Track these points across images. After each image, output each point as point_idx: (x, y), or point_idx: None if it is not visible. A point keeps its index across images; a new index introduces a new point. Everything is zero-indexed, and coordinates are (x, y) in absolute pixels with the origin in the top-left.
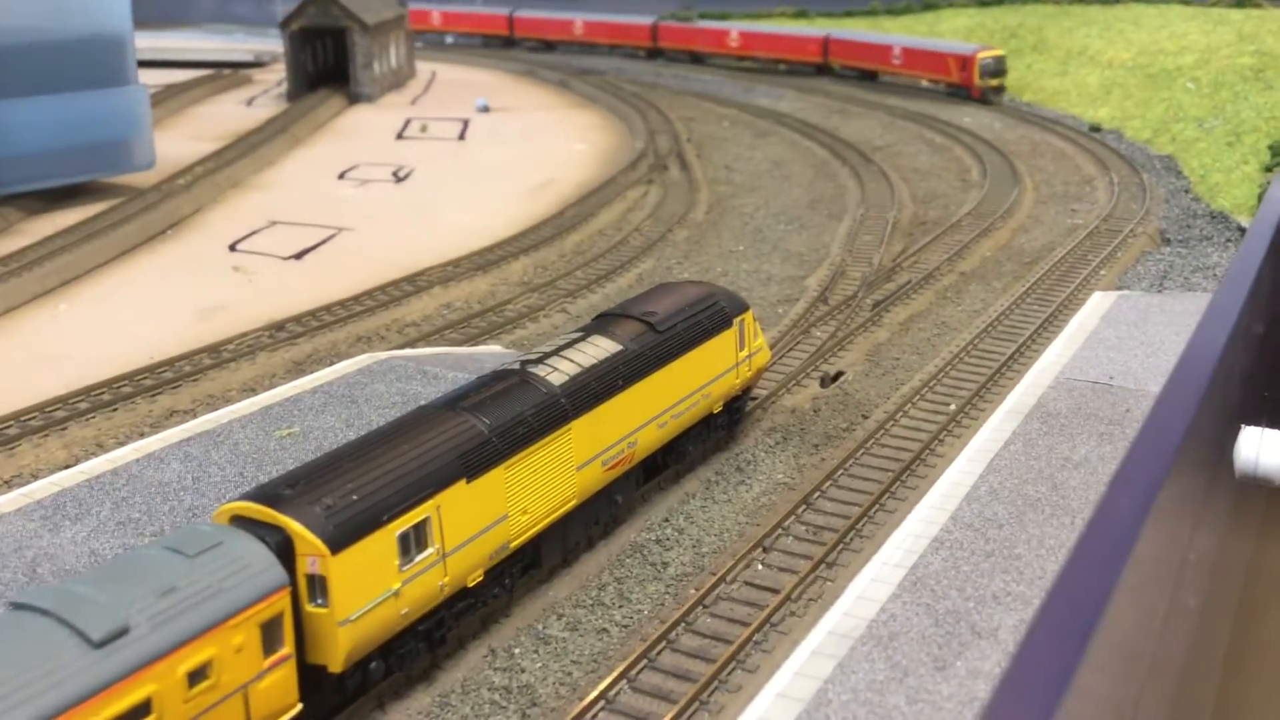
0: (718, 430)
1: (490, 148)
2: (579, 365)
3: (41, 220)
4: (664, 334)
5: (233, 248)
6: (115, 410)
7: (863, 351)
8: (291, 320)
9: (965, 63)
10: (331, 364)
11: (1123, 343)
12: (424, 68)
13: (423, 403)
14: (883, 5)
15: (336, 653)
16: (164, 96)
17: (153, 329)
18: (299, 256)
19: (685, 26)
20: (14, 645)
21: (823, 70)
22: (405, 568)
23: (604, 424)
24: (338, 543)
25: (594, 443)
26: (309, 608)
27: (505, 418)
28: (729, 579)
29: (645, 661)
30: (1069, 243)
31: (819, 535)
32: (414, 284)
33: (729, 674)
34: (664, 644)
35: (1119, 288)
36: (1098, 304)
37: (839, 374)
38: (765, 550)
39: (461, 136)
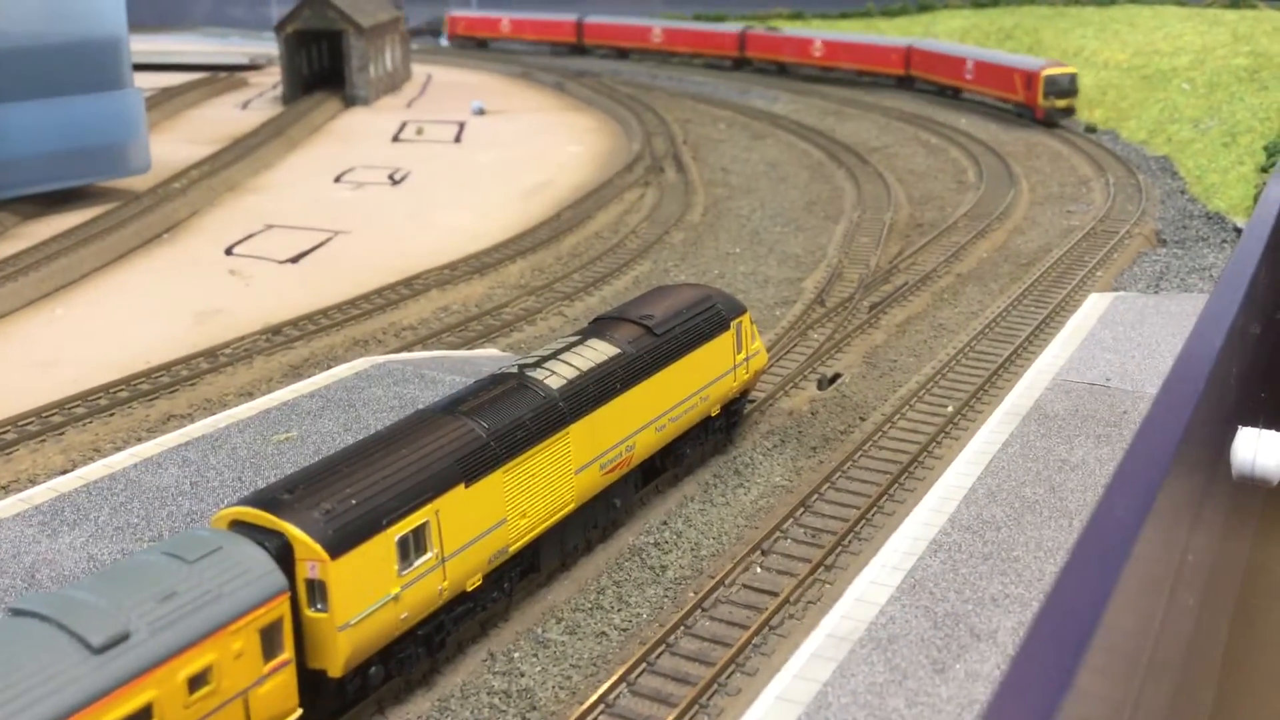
0: (715, 433)
1: (486, 150)
2: (577, 369)
3: (37, 224)
4: (661, 337)
5: (229, 251)
6: (112, 415)
7: (860, 353)
8: (288, 324)
9: (1030, 79)
10: (329, 368)
11: (1119, 344)
12: (419, 70)
13: (420, 407)
14: (877, 6)
15: (336, 657)
16: (159, 100)
17: (149, 333)
18: (295, 260)
19: (772, 35)
20: (14, 651)
21: (904, 83)
22: (404, 572)
23: (602, 427)
24: (337, 548)
25: (592, 446)
26: (309, 613)
27: (503, 422)
28: (727, 582)
29: (644, 665)
30: (1065, 244)
31: (817, 538)
32: (410, 287)
33: (728, 677)
34: (663, 647)
35: (1115, 289)
36: (1094, 305)
37: (836, 376)
38: (764, 553)
39: (457, 139)
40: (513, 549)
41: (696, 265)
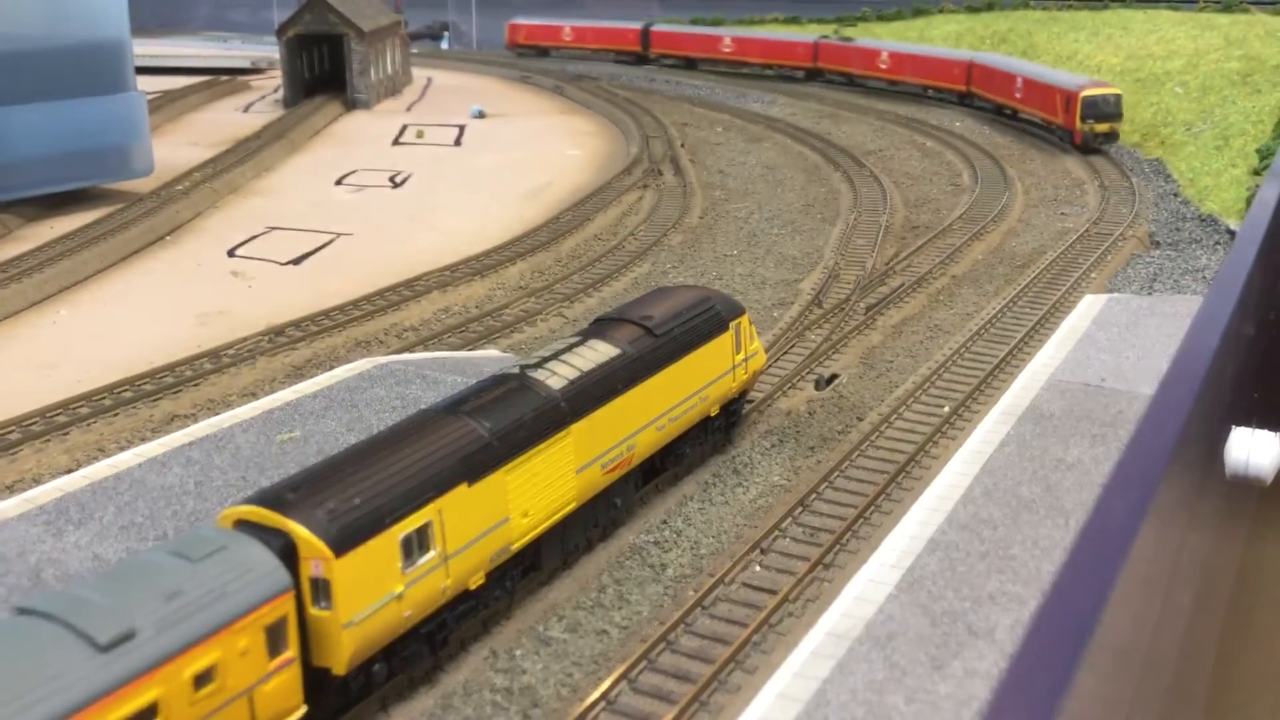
0: (715, 433)
1: (486, 153)
2: (578, 369)
3: (40, 226)
4: (661, 338)
5: (231, 253)
6: (116, 415)
7: (857, 354)
8: (291, 325)
9: (1068, 100)
10: (331, 369)
11: (1114, 345)
12: (420, 74)
13: (423, 406)
14: (873, 11)
15: (340, 655)
16: (162, 103)
17: (153, 334)
18: (297, 262)
19: (843, 46)
20: (20, 649)
21: (966, 99)
22: (408, 570)
23: (603, 427)
24: (341, 546)
25: (593, 446)
26: (313, 611)
27: (505, 422)
28: (727, 580)
29: (645, 663)
30: (1059, 246)
31: (816, 537)
32: (412, 289)
33: (728, 675)
34: (663, 645)
35: (1109, 290)
36: (1088, 306)
37: (834, 377)
38: (763, 552)
39: (457, 142)
40: (515, 547)
41: (695, 267)
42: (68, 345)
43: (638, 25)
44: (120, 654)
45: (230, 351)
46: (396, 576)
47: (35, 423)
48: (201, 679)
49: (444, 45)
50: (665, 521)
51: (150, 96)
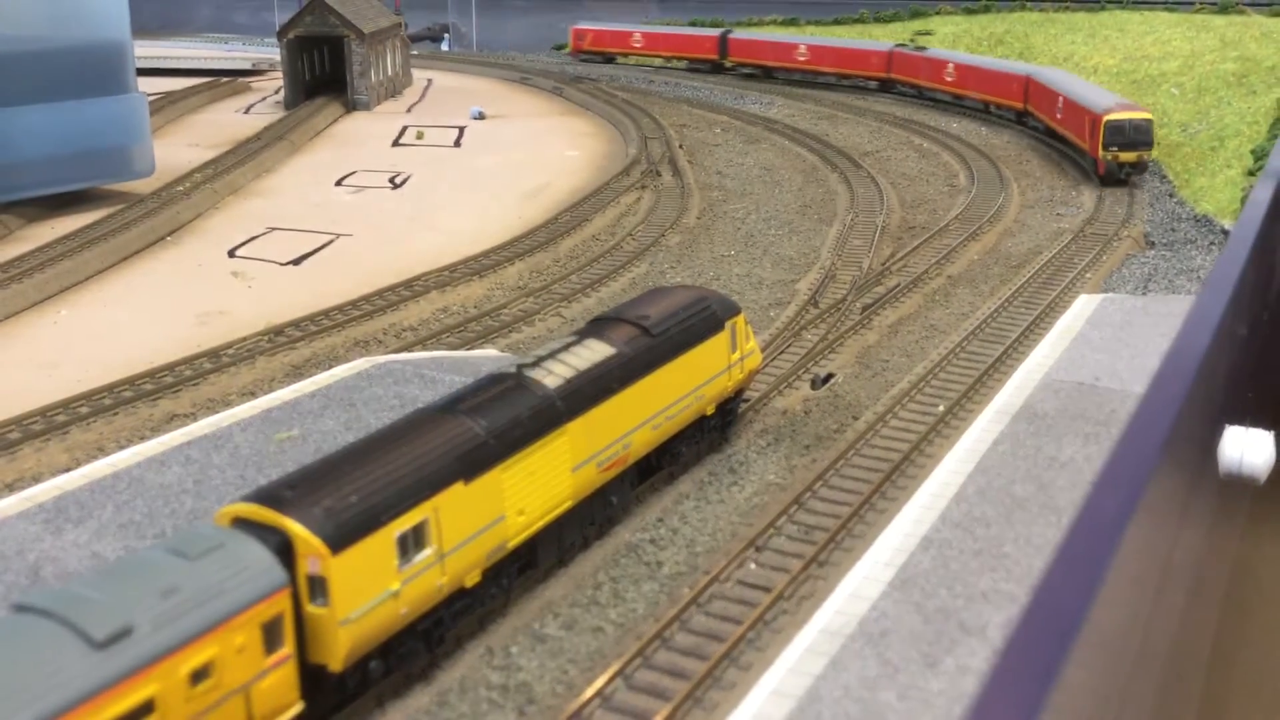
0: (711, 432)
1: (485, 154)
2: (574, 368)
3: (41, 227)
4: (657, 337)
5: (232, 254)
6: (116, 414)
7: (853, 354)
8: (290, 325)
9: (1093, 124)
10: (330, 368)
11: (1108, 344)
12: (420, 75)
13: (420, 406)
14: (871, 13)
15: (337, 652)
16: (163, 104)
17: (153, 334)
18: (297, 262)
19: (914, 55)
20: (17, 646)
21: (1023, 118)
22: (404, 568)
23: (599, 426)
24: (338, 543)
25: (589, 444)
26: (310, 608)
27: (502, 420)
28: (722, 578)
29: (640, 659)
30: (1055, 246)
31: (811, 535)
32: (411, 289)
33: (723, 671)
34: (659, 642)
35: (1104, 290)
36: (1083, 306)
37: (829, 376)
38: (758, 549)
39: (457, 143)
40: (511, 545)
41: (692, 267)
42: (68, 345)
43: (715, 31)
44: (117, 650)
45: (230, 351)
46: (393, 574)
47: (35, 422)
48: (198, 675)
49: (444, 47)
50: (661, 520)
51: (151, 98)
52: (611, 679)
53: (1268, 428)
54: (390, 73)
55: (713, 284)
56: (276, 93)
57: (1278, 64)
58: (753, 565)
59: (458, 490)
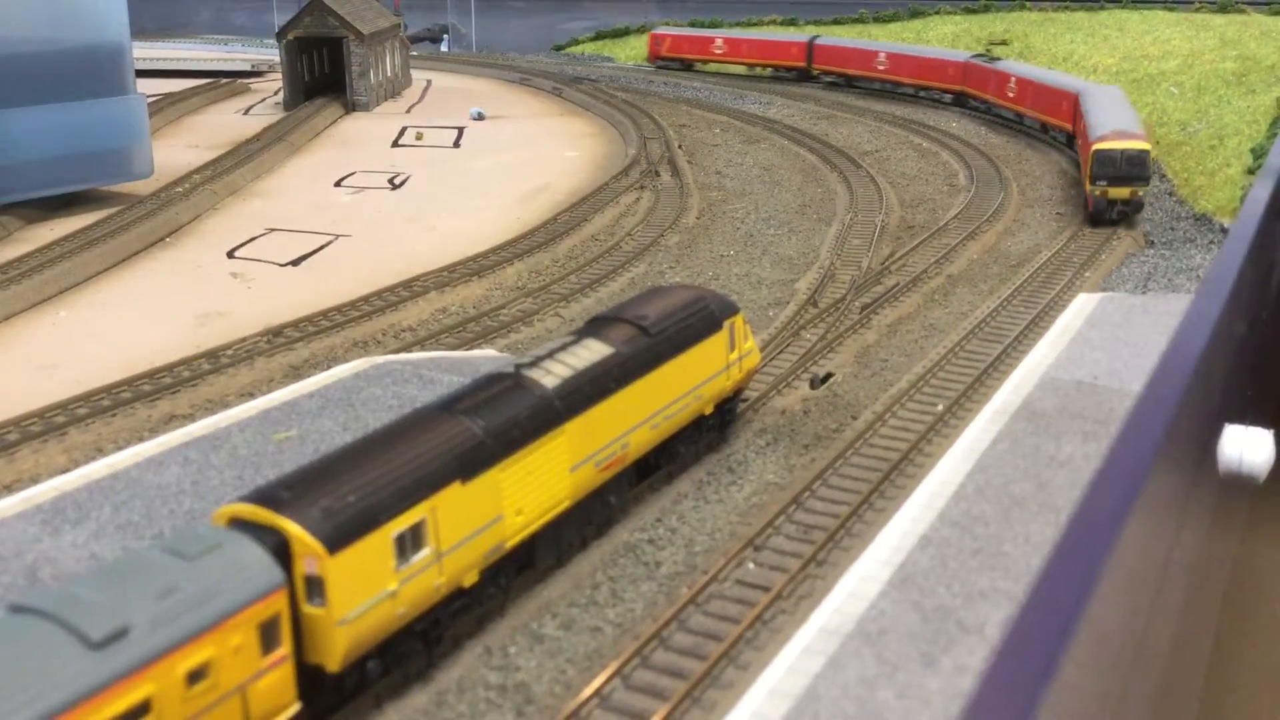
0: (709, 431)
1: (485, 155)
2: (572, 368)
3: (40, 228)
4: (655, 337)
5: (231, 255)
6: (114, 415)
7: (852, 353)
8: (289, 326)
9: (1085, 154)
10: (328, 369)
11: (1107, 343)
12: (419, 76)
13: (418, 406)
14: (871, 13)
15: (334, 652)
16: (162, 105)
17: (152, 335)
18: (296, 263)
19: (986, 68)
20: (13, 647)
21: (1071, 142)
22: (402, 568)
23: (597, 426)
24: (335, 544)
25: (587, 444)
26: (307, 608)
27: (500, 420)
28: (721, 578)
29: (639, 659)
30: (1054, 245)
31: (809, 534)
32: (410, 289)
33: (721, 671)
34: (657, 642)
35: (1103, 290)
36: (1082, 305)
37: (828, 375)
38: (756, 549)
39: (456, 144)
40: (509, 545)
41: (691, 267)
42: (67, 346)
43: (802, 36)
44: (113, 651)
45: (229, 352)
46: (390, 574)
47: (34, 423)
48: (195, 676)
49: (443, 48)
50: (660, 519)
51: (151, 99)
52: (610, 679)
53: (1267, 426)
54: (390, 74)
55: (712, 284)
56: (276, 94)
57: (1277, 63)
58: (751, 565)
59: (455, 490)
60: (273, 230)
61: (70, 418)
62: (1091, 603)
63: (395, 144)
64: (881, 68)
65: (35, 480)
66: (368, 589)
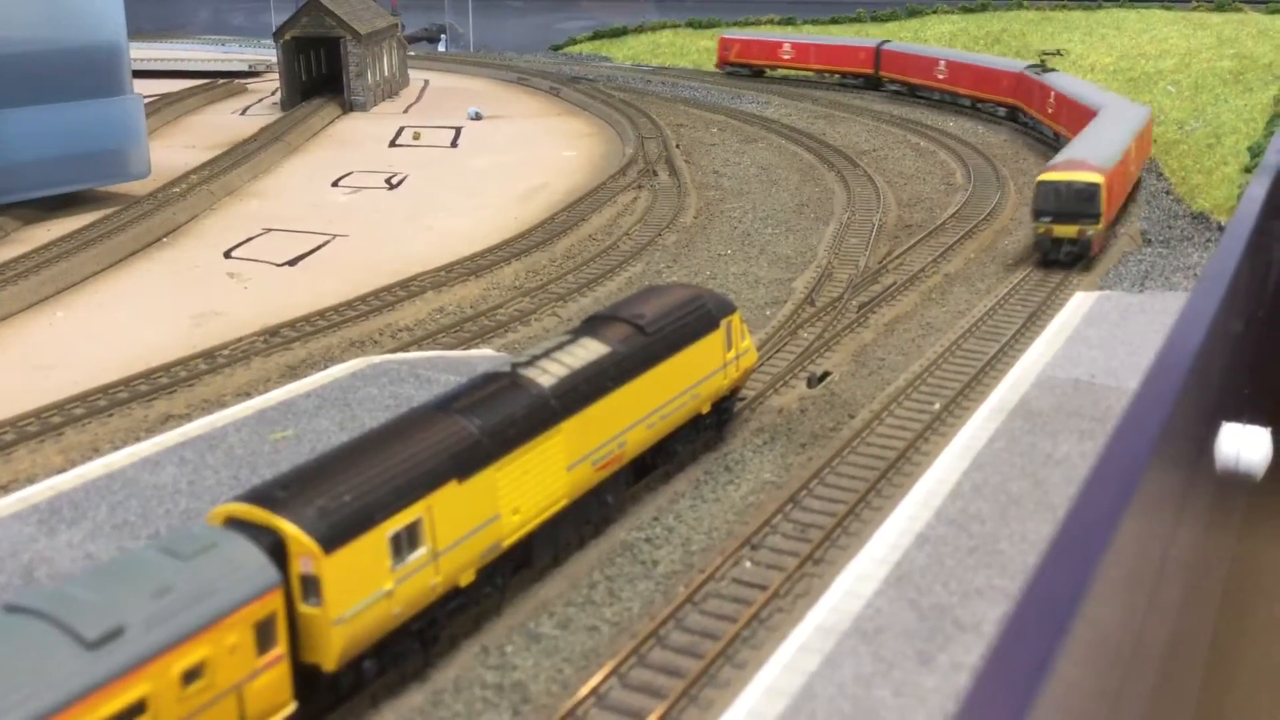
0: (706, 430)
1: (482, 155)
2: (568, 367)
3: (37, 229)
4: (652, 336)
5: (228, 255)
6: (111, 415)
7: (849, 352)
8: (286, 325)
9: None
10: (325, 368)
11: (1104, 342)
12: (417, 76)
13: (415, 405)
14: (867, 12)
15: (330, 652)
16: (159, 106)
17: (149, 335)
18: (293, 263)
19: (1034, 80)
20: (8, 646)
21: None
22: (398, 568)
23: (594, 425)
24: (331, 543)
25: (584, 443)
26: (303, 607)
27: (496, 419)
28: (718, 576)
29: (635, 658)
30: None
31: (806, 533)
32: (407, 289)
33: (718, 669)
34: (654, 641)
35: (1101, 288)
36: (1079, 304)
37: (825, 374)
38: (753, 548)
39: (454, 144)
40: (505, 544)
41: (689, 266)
42: (64, 347)
43: (870, 42)
44: (108, 650)
45: (225, 352)
46: (386, 573)
47: (30, 423)
48: (190, 675)
49: (441, 48)
50: (657, 518)
51: (148, 99)
52: (606, 678)
53: (1264, 424)
54: (387, 74)
55: (709, 283)
56: (273, 94)
57: (1274, 61)
58: (748, 563)
59: (451, 489)
60: (270, 230)
61: (67, 418)
62: (1087, 600)
63: (393, 144)
64: (941, 77)
65: (32, 480)
66: (364, 588)
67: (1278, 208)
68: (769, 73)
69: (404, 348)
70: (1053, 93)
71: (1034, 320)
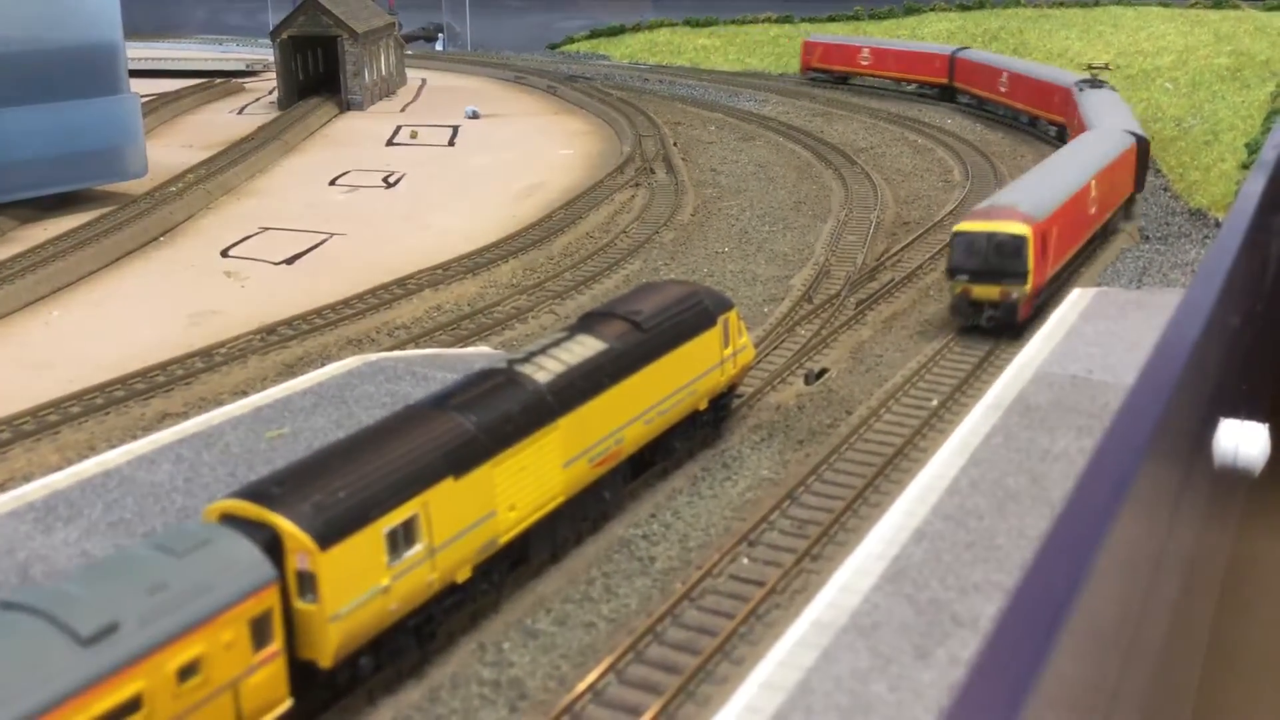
0: (704, 427)
1: (479, 153)
2: (565, 364)
3: (34, 228)
4: (649, 332)
5: (225, 254)
6: (108, 414)
7: (846, 349)
8: (283, 324)
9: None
10: (322, 366)
11: (1101, 338)
12: (414, 75)
13: (411, 402)
14: (865, 10)
15: (326, 648)
16: (156, 105)
17: (145, 334)
18: (290, 261)
19: (1076, 97)
20: (1, 643)
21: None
22: (394, 564)
23: (590, 421)
24: (326, 539)
25: (581, 440)
26: (299, 604)
27: (492, 415)
28: (715, 573)
29: (632, 654)
30: None
31: (803, 529)
32: (404, 287)
33: (715, 665)
34: (651, 637)
35: (1098, 284)
36: (1077, 300)
37: (823, 371)
38: (750, 544)
39: (451, 143)
40: (502, 541)
41: (686, 264)
42: (61, 346)
43: (945, 49)
44: (103, 647)
45: (222, 350)
46: (382, 570)
47: (26, 422)
48: (186, 672)
49: (438, 47)
50: (654, 515)
51: (145, 99)
52: (604, 674)
53: (1263, 420)
54: (384, 73)
55: (707, 280)
56: (270, 93)
57: (1271, 58)
58: (745, 560)
59: (448, 486)
60: (267, 229)
61: (63, 416)
62: (1082, 594)
63: (390, 143)
64: (1003, 90)
65: (28, 478)
66: (360, 585)
67: (1275, 203)
68: (852, 81)
69: (401, 346)
70: (1078, 114)
71: (1032, 316)
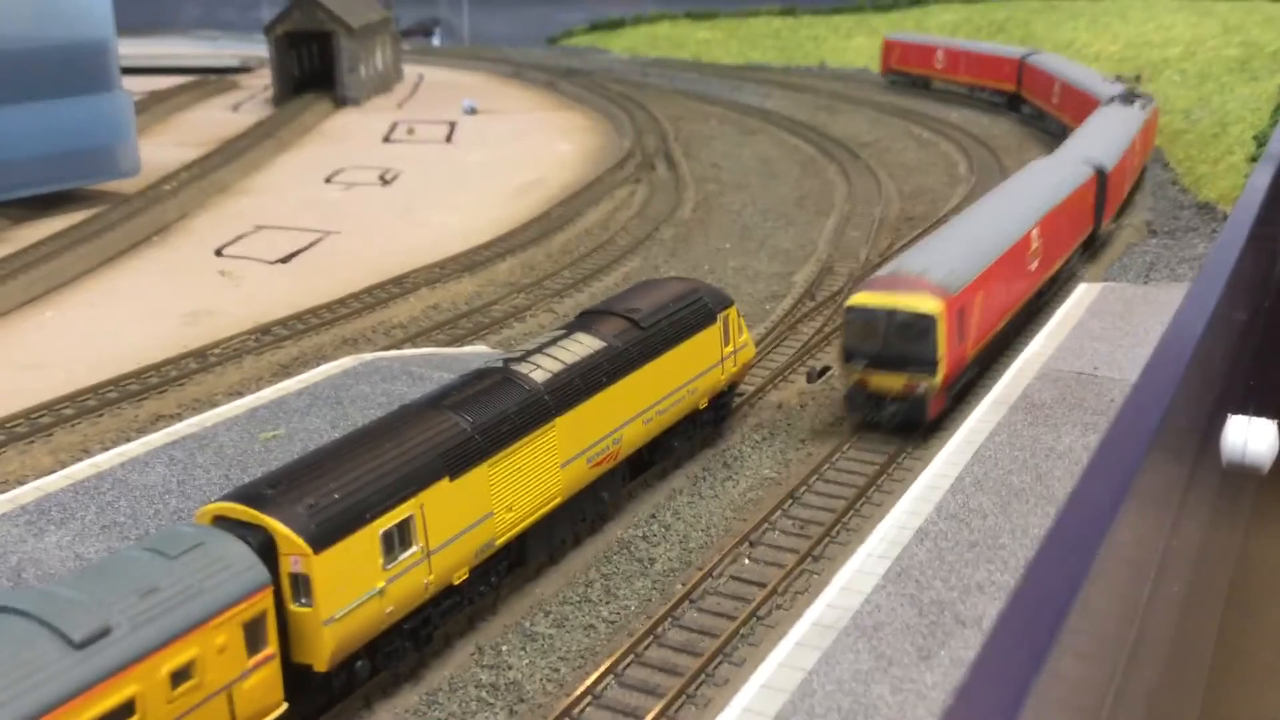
0: (704, 426)
1: (477, 149)
2: (562, 362)
3: (26, 228)
4: (648, 330)
5: (219, 253)
6: (101, 416)
7: None
8: (277, 324)
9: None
10: (317, 366)
11: (1107, 333)
12: (411, 70)
13: (406, 402)
14: (869, 3)
15: (322, 652)
16: (149, 103)
17: (139, 334)
18: (285, 260)
19: (1104, 109)
20: None
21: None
22: (389, 566)
23: (588, 421)
24: (320, 542)
25: (578, 439)
26: (293, 607)
27: (488, 415)
28: (715, 574)
29: (632, 657)
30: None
31: (805, 529)
32: (400, 286)
33: (716, 667)
34: (651, 639)
35: (1106, 280)
36: (1083, 295)
37: (825, 369)
38: (752, 545)
39: (448, 139)
40: (499, 542)
41: (687, 261)
42: (54, 347)
43: (1015, 53)
44: (95, 651)
45: (216, 351)
46: (378, 572)
47: (19, 424)
48: (179, 676)
49: (435, 42)
50: (654, 516)
51: (138, 97)
52: (603, 676)
53: (1272, 417)
54: (380, 68)
55: (708, 277)
56: (265, 90)
57: None
58: (746, 561)
59: (443, 487)
60: (261, 228)
61: (56, 418)
62: (1084, 592)
63: (386, 139)
64: (1055, 101)
65: (21, 481)
66: (355, 587)
67: None
68: (931, 85)
69: (397, 345)
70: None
71: (1037, 312)
